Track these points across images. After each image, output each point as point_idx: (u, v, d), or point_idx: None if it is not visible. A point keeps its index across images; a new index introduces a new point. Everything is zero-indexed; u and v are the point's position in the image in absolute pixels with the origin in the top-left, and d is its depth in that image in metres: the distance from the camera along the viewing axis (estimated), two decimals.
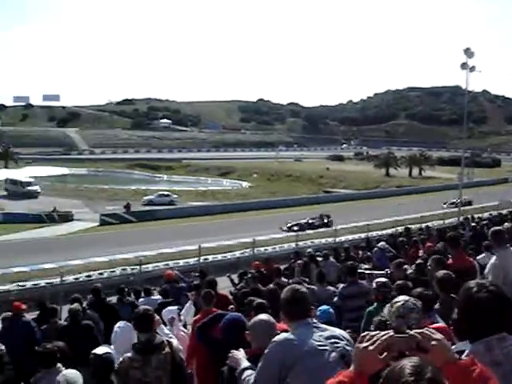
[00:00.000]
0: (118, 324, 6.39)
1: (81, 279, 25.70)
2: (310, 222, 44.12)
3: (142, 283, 20.16)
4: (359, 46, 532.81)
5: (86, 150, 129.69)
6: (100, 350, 5.41)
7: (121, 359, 5.30)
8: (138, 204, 55.73)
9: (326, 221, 44.87)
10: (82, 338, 7.46)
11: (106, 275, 26.35)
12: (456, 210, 41.34)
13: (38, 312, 10.51)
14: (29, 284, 25.23)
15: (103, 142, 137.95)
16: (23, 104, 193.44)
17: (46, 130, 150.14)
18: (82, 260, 29.55)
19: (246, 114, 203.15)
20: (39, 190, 63.68)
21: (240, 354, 4.48)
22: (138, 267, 25.06)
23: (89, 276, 26.27)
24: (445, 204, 51.98)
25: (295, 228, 41.46)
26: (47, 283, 24.41)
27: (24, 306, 9.66)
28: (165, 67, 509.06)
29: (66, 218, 47.91)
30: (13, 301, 11.73)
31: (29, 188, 63.33)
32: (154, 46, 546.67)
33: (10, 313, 9.63)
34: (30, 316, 10.01)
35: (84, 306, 9.87)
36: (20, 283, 25.39)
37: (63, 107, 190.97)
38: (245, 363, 4.35)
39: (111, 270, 27.54)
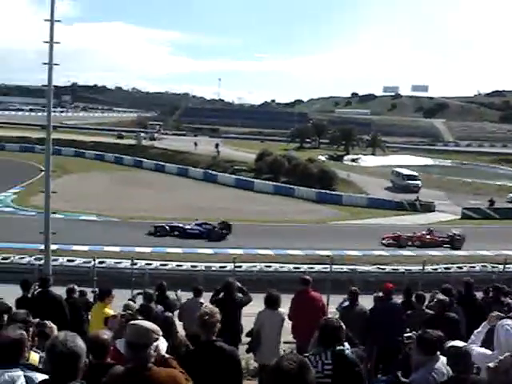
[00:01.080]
0: (507, 321, 6.28)
1: (439, 270, 25.83)
2: (188, 227, 32.64)
3: (502, 283, 19.34)
4: None
5: (451, 141, 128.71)
6: (457, 342, 5.30)
7: (501, 358, 5.14)
8: (502, 200, 53.24)
9: (224, 231, 32.37)
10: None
11: (464, 269, 25.98)
12: None
13: (403, 297, 10.72)
14: (388, 268, 26.29)
15: (469, 134, 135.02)
16: (392, 94, 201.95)
17: (414, 120, 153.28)
18: (442, 251, 29.62)
19: None
20: (420, 185, 60.08)
21: None
22: (500, 266, 24.04)
23: (447, 268, 26.24)
24: None
25: (159, 233, 32.16)
26: (406, 269, 25.04)
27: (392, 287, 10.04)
28: None
29: (428, 208, 48.09)
30: (382, 282, 12.24)
31: (409, 182, 60.72)
32: None
33: (381, 293, 10.14)
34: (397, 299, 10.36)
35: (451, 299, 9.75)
36: (380, 266, 26.63)
37: (431, 98, 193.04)
38: None
39: (471, 265, 27.06)
